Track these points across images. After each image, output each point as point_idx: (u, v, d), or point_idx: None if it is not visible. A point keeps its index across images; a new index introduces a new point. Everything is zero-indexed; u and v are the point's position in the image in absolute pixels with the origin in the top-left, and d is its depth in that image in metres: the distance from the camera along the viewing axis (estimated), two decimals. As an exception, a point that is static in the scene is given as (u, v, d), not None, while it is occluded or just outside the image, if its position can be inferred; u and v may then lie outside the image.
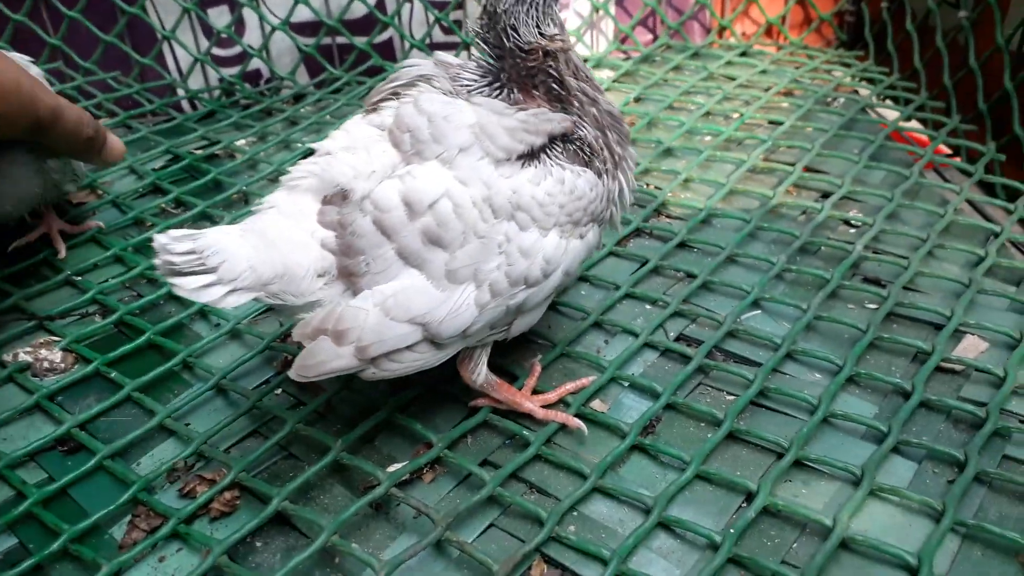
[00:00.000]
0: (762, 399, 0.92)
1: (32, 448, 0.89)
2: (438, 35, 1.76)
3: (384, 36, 1.74)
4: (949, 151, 1.40)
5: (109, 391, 0.97)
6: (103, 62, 1.64)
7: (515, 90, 0.81)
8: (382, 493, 0.81)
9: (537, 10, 0.78)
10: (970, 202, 1.25)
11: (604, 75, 1.69)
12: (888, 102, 1.54)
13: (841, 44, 1.79)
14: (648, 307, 1.07)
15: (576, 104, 0.80)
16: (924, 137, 1.41)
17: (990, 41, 1.33)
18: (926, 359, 0.94)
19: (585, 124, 0.81)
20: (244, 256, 0.72)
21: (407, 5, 1.72)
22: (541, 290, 0.81)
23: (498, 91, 0.81)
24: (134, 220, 1.29)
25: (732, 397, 0.93)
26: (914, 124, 1.48)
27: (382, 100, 0.83)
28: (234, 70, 1.69)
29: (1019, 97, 1.28)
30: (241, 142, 1.52)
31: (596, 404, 0.93)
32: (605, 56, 1.75)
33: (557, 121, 0.79)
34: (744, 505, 0.80)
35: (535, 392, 0.93)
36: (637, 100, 1.56)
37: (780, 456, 0.84)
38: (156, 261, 0.70)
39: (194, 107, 1.67)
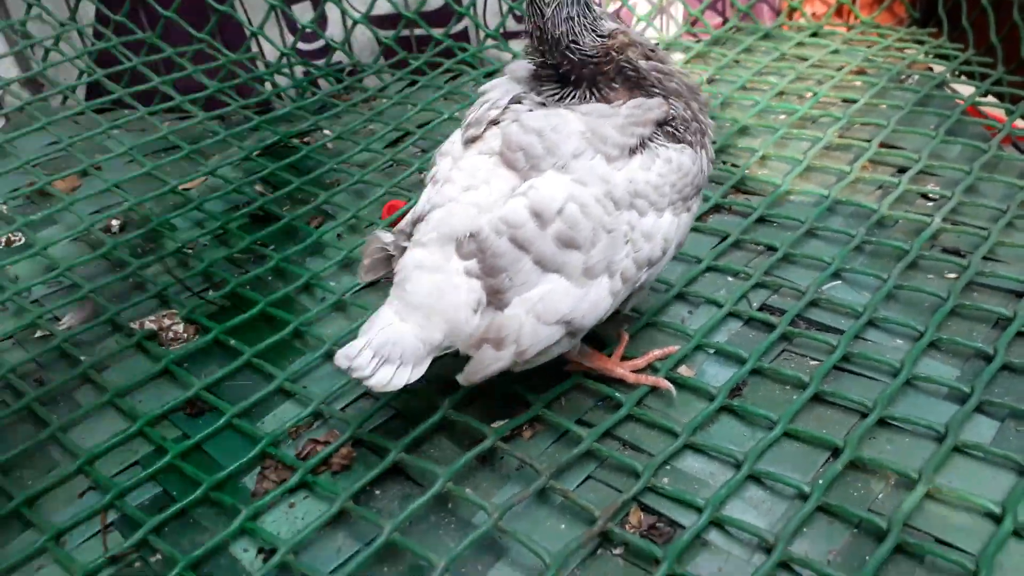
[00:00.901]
0: (845, 364, 0.96)
1: (167, 408, 0.98)
2: (511, 24, 1.82)
3: (460, 27, 1.81)
4: (1027, 126, 1.41)
5: (230, 358, 1.06)
6: (195, 59, 1.73)
7: (599, 88, 0.83)
8: (488, 446, 0.88)
9: (585, 16, 0.80)
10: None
11: (676, 57, 1.72)
12: (964, 78, 1.55)
13: (914, 22, 1.79)
14: (730, 279, 1.11)
15: (656, 85, 0.84)
16: (1001, 113, 1.42)
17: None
18: (1008, 324, 0.96)
19: (672, 102, 0.84)
20: (412, 335, 0.80)
21: (483, -6, 1.78)
22: (659, 267, 0.87)
23: (585, 92, 0.83)
24: (234, 205, 1.38)
25: (816, 362, 0.97)
26: (991, 100, 1.48)
27: (485, 130, 0.85)
28: (319, 63, 1.77)
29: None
30: (327, 131, 1.59)
31: (683, 370, 0.98)
32: (676, 39, 1.79)
33: (656, 107, 0.83)
34: (831, 460, 0.85)
35: (624, 359, 0.98)
36: (710, 81, 1.59)
37: (864, 416, 0.88)
38: (349, 375, 0.79)
39: (282, 100, 1.76)
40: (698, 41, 1.77)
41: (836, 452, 0.85)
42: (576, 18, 0.79)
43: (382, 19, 1.78)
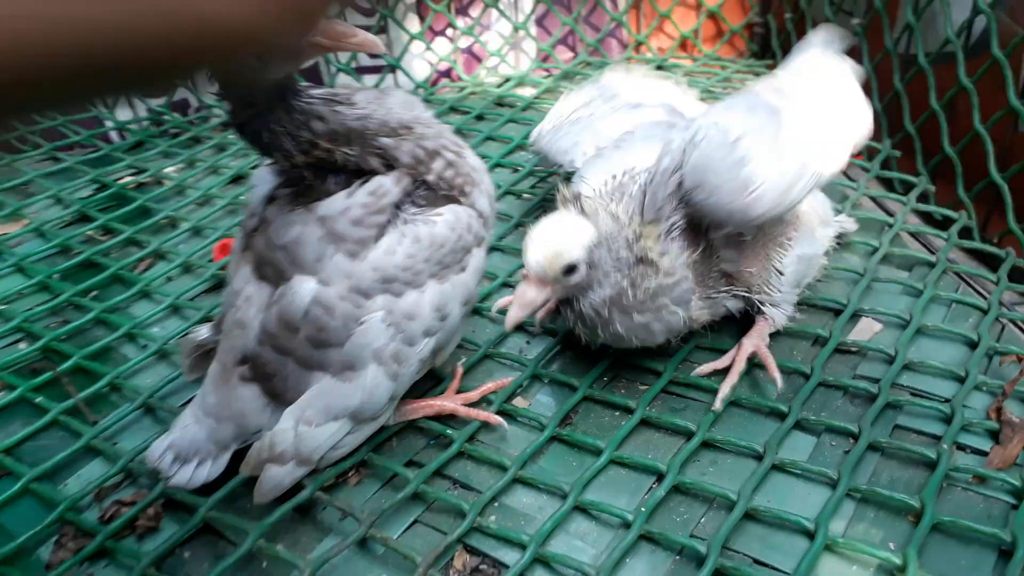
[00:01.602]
0: (672, 387, 0.96)
1: (-44, 476, 0.89)
2: (364, 59, 1.80)
3: (309, 61, 1.77)
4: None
5: (35, 416, 0.98)
6: (26, 96, 1.64)
7: (339, 172, 0.80)
8: (307, 496, 0.83)
9: (284, 125, 0.75)
10: (872, 197, 1.32)
11: (527, 92, 1.74)
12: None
13: (752, 54, 1.88)
14: (567, 308, 1.11)
15: (383, 164, 0.79)
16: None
17: (880, 45, 1.41)
18: (825, 343, 0.99)
19: (419, 167, 0.81)
20: (206, 437, 0.82)
21: (331, 30, 1.75)
22: (446, 329, 0.84)
23: (327, 178, 0.80)
24: (60, 248, 1.30)
25: (645, 387, 0.97)
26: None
27: (251, 238, 0.84)
28: (162, 100, 1.71)
29: (908, 97, 1.36)
30: (169, 169, 1.54)
31: (518, 401, 0.97)
32: (527, 75, 1.81)
33: (393, 185, 0.79)
34: (655, 485, 0.85)
35: (459, 392, 0.96)
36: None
37: (689, 438, 0.88)
38: (160, 476, 0.83)
39: (123, 137, 1.68)
40: (548, 75, 1.80)
41: (660, 477, 0.85)
42: (269, 129, 0.75)
43: (228, 55, 1.73)
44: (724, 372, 0.95)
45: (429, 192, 0.82)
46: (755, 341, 0.96)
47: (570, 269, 0.84)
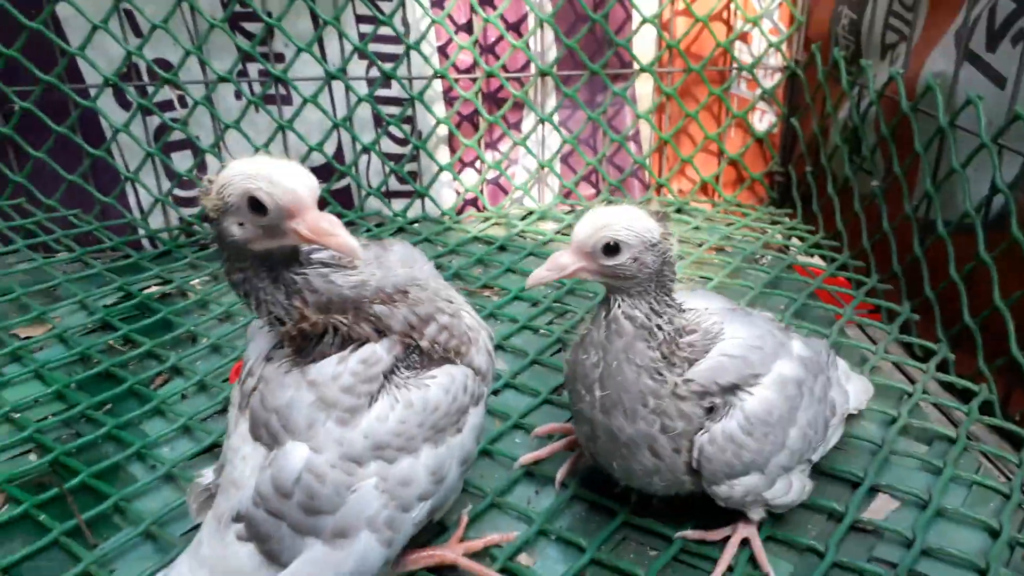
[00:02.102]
0: (684, 555, 0.94)
1: (-54, 599, 0.88)
2: (394, 184, 1.86)
3: (342, 183, 1.83)
4: (873, 308, 1.49)
5: (37, 534, 0.97)
6: (65, 200, 1.70)
7: (332, 339, 0.80)
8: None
9: (274, 294, 0.77)
10: (894, 363, 1.32)
11: (548, 227, 1.78)
12: (816, 259, 1.64)
13: (772, 202, 1.92)
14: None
15: (375, 333, 0.80)
16: (850, 295, 1.50)
17: (900, 207, 1.44)
18: (841, 518, 0.97)
19: (412, 333, 0.81)
20: None
21: (364, 156, 1.81)
22: (443, 491, 0.83)
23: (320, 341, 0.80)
24: (80, 356, 1.31)
25: (655, 552, 0.95)
26: (840, 282, 1.58)
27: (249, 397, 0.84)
28: (194, 210, 1.76)
29: (927, 262, 1.38)
30: (195, 282, 1.56)
31: (523, 558, 0.95)
32: (550, 209, 1.86)
33: (387, 352, 0.80)
34: (662, 666, 0.82)
35: (462, 541, 0.94)
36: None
37: (699, 615, 0.86)
38: None
39: (153, 246, 1.72)
40: (571, 211, 1.84)
41: (667, 658, 0.82)
42: (260, 294, 0.77)
43: (263, 172, 1.78)
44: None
45: (423, 355, 0.82)
46: (752, 528, 0.95)
47: (612, 249, 0.83)
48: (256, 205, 0.71)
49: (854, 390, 1.07)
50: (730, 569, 0.92)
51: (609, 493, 1.03)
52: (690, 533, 0.96)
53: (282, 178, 0.71)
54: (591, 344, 0.89)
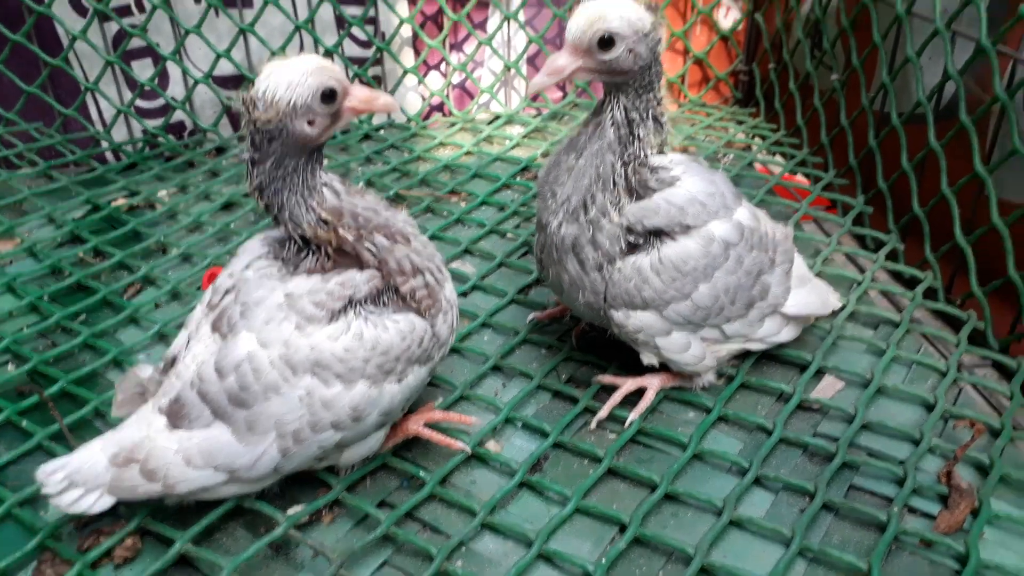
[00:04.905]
0: (640, 436, 1.00)
1: (-61, 498, 0.92)
2: (358, 89, 1.84)
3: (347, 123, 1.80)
4: (829, 203, 1.52)
5: (20, 440, 1.00)
6: (25, 113, 1.67)
7: (329, 254, 0.85)
8: (280, 534, 0.86)
9: (300, 194, 0.81)
10: (847, 254, 1.37)
11: (515, 131, 1.79)
12: (778, 157, 1.67)
13: (736, 101, 1.93)
14: (543, 351, 1.15)
15: (372, 258, 0.85)
16: (808, 190, 1.53)
17: (858, 102, 1.46)
18: (788, 399, 1.03)
19: (395, 275, 0.85)
20: (103, 465, 0.84)
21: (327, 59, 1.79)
22: (357, 431, 0.87)
23: (315, 257, 0.85)
24: (51, 269, 1.33)
25: (613, 435, 1.01)
26: (801, 178, 1.61)
27: (222, 298, 0.88)
28: (157, 122, 1.74)
29: (882, 155, 1.41)
30: (162, 193, 1.56)
31: (491, 445, 1.00)
32: (516, 113, 1.86)
33: (364, 283, 0.84)
34: (617, 536, 0.88)
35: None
36: (544, 155, 1.65)
37: (653, 489, 0.92)
38: (43, 494, 0.84)
39: (117, 158, 1.71)
40: (537, 115, 1.84)
41: (623, 528, 0.88)
42: (287, 193, 0.81)
43: (225, 80, 1.76)
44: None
45: (397, 298, 0.86)
46: (655, 383, 1.02)
47: (607, 42, 0.85)
48: (328, 95, 0.78)
49: (801, 296, 1.06)
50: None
51: (571, 381, 1.08)
52: (605, 377, 1.05)
53: (330, 67, 0.79)
54: (573, 146, 0.95)
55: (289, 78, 0.77)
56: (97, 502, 0.83)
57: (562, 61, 0.87)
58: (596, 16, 0.85)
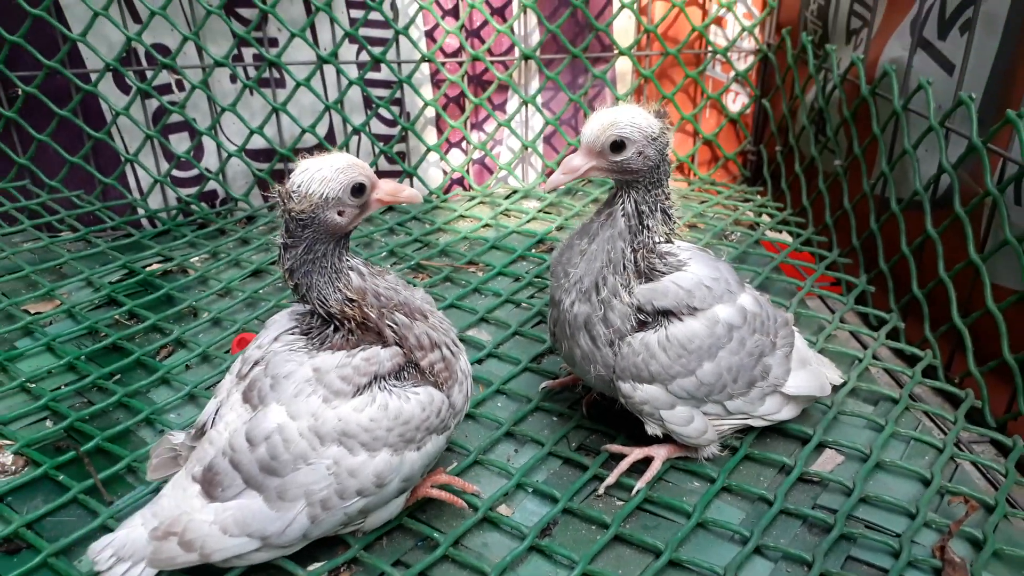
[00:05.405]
0: (647, 504, 1.04)
1: (-20, 547, 0.97)
2: (383, 164, 1.93)
3: (373, 213, 1.90)
4: (834, 280, 1.58)
5: (56, 493, 1.06)
6: (68, 181, 1.77)
7: (352, 331, 0.91)
8: (301, 590, 0.91)
9: (326, 275, 0.88)
10: (850, 331, 1.42)
11: (531, 205, 1.87)
12: (784, 235, 1.73)
13: (744, 180, 2.01)
14: (555, 419, 1.20)
15: (393, 335, 0.91)
16: (813, 268, 1.59)
17: (859, 186, 1.53)
18: (790, 471, 1.07)
19: (415, 351, 0.92)
20: (145, 540, 0.89)
21: (355, 137, 1.89)
22: (380, 497, 0.92)
23: (341, 333, 0.91)
24: (88, 330, 1.40)
25: (621, 503, 1.05)
26: (806, 256, 1.67)
27: (251, 369, 0.94)
28: (191, 191, 1.83)
29: (883, 237, 1.47)
30: (194, 259, 1.65)
31: (503, 509, 1.04)
32: (533, 188, 1.95)
33: (388, 359, 0.90)
34: (623, 601, 0.92)
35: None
36: (559, 228, 1.73)
37: (657, 556, 0.96)
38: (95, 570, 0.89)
39: (153, 225, 1.80)
40: (553, 191, 1.92)
41: (628, 593, 0.92)
42: (316, 275, 0.88)
43: (257, 153, 1.86)
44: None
45: (417, 372, 0.93)
46: (662, 453, 1.07)
47: (619, 145, 0.93)
48: (359, 189, 0.86)
49: (801, 378, 1.11)
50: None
51: (581, 448, 1.13)
52: (613, 447, 1.10)
53: (360, 164, 0.87)
54: (586, 232, 1.02)
55: (323, 174, 0.85)
56: (142, 574, 0.88)
57: (577, 161, 0.96)
58: (609, 122, 0.93)
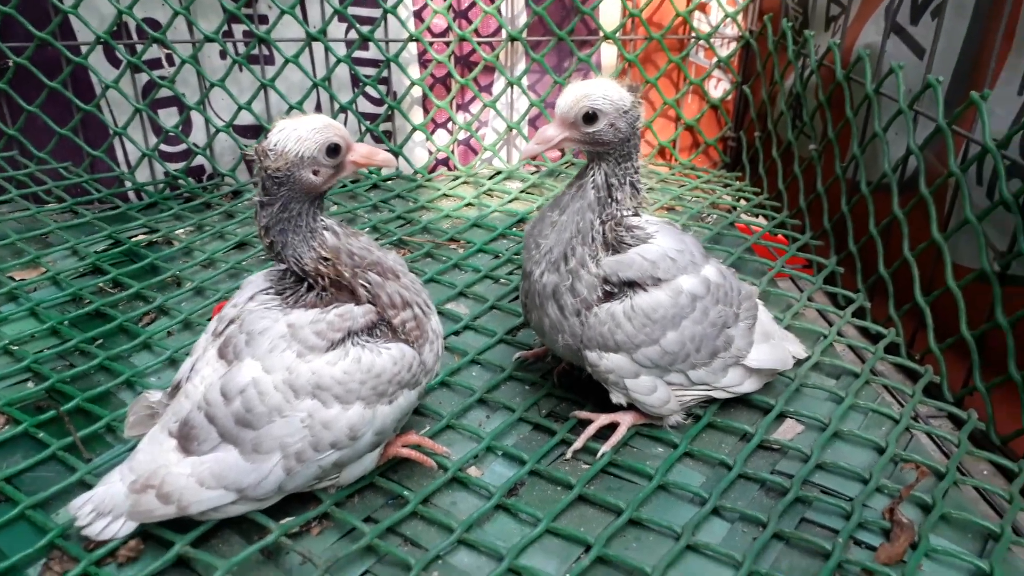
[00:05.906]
0: (611, 467, 1.07)
1: (-40, 498, 0.99)
2: (369, 142, 1.96)
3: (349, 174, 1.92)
4: (805, 262, 1.62)
5: (36, 450, 1.08)
6: (56, 153, 1.79)
7: (325, 289, 0.94)
8: (272, 541, 0.93)
9: (301, 233, 0.91)
10: (818, 310, 1.45)
11: (514, 186, 1.90)
12: (760, 219, 1.77)
13: (724, 165, 2.04)
14: (527, 387, 1.23)
15: (366, 292, 0.94)
16: (786, 250, 1.62)
17: (832, 170, 1.57)
18: (750, 439, 1.11)
19: (387, 309, 0.95)
20: (124, 494, 0.92)
21: (342, 115, 1.91)
22: (355, 449, 0.95)
23: (314, 292, 0.94)
24: (72, 296, 1.42)
25: (586, 466, 1.08)
26: (780, 239, 1.70)
27: (226, 327, 0.97)
28: (179, 165, 1.86)
29: (852, 219, 1.50)
30: (179, 231, 1.67)
31: (472, 470, 1.08)
32: (516, 169, 1.97)
33: (361, 315, 0.93)
34: (583, 556, 0.95)
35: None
36: (540, 208, 1.76)
37: (618, 515, 0.99)
38: (76, 525, 0.91)
39: (139, 198, 1.82)
40: (536, 171, 1.96)
41: (588, 548, 0.95)
42: (291, 234, 0.91)
43: (244, 128, 1.88)
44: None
45: (389, 330, 0.96)
46: (627, 419, 1.10)
47: (591, 117, 0.96)
48: (333, 149, 0.88)
49: (764, 351, 1.14)
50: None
51: (551, 415, 1.16)
52: (581, 413, 1.13)
53: (336, 125, 0.90)
54: (557, 204, 1.06)
55: (299, 133, 0.88)
56: (122, 528, 0.91)
57: (551, 132, 0.99)
58: (582, 94, 0.96)
